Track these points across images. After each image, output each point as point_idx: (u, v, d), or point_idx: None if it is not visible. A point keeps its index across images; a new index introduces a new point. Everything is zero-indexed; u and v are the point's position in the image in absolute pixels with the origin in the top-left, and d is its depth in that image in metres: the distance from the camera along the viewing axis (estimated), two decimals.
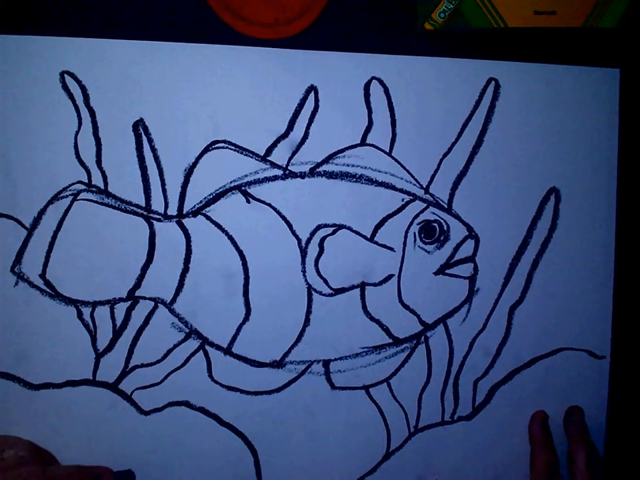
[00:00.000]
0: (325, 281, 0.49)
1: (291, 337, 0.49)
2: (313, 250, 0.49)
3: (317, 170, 0.49)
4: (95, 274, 0.48)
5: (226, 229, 0.49)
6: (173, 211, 0.48)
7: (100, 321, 0.48)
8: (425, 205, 0.50)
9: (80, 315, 0.48)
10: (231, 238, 0.49)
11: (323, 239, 0.49)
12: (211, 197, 0.49)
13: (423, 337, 0.51)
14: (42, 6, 0.48)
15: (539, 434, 0.50)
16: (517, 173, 0.51)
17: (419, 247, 0.50)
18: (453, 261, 0.50)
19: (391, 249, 0.50)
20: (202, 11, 0.48)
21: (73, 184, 0.48)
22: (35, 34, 0.47)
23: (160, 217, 0.48)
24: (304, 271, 0.49)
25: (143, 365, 0.48)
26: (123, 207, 0.48)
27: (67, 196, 0.47)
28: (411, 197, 0.50)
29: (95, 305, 0.48)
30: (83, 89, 0.47)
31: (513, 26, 0.50)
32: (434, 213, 0.50)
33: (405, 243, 0.50)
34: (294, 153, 0.49)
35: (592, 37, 0.52)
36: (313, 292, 0.49)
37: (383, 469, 0.51)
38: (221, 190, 0.49)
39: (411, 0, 0.50)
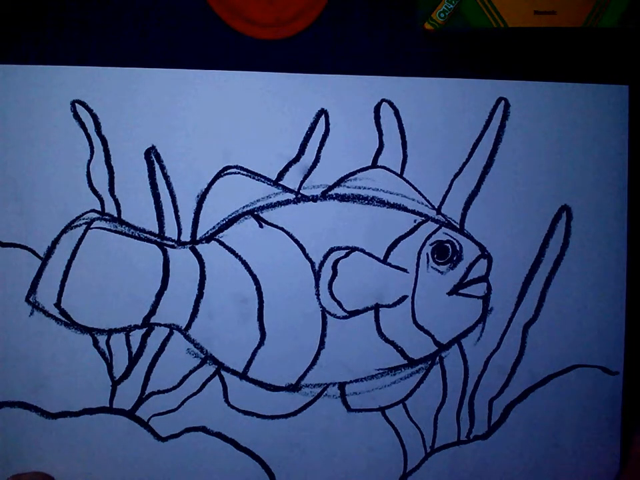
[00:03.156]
0: (339, 304, 0.49)
1: (306, 360, 0.50)
2: (326, 273, 0.49)
3: (329, 193, 0.49)
4: (109, 302, 0.48)
5: (239, 254, 0.49)
6: (186, 237, 0.49)
7: (116, 348, 0.48)
8: (437, 225, 0.50)
9: (96, 343, 0.48)
10: (244, 263, 0.49)
11: (336, 262, 0.49)
12: (224, 222, 0.49)
13: (437, 358, 0.51)
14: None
15: None
16: (528, 191, 0.51)
17: (432, 267, 0.50)
18: (466, 280, 0.50)
19: (404, 270, 0.50)
20: (202, 11, 0.49)
21: (86, 212, 0.48)
22: (44, 63, 0.47)
23: (173, 243, 0.48)
24: (318, 294, 0.49)
25: (159, 392, 0.49)
26: (136, 234, 0.48)
27: (80, 225, 0.48)
28: (423, 218, 0.50)
29: (110, 332, 0.48)
30: (94, 118, 0.47)
31: (513, 26, 0.50)
32: (446, 234, 0.50)
33: (418, 264, 0.50)
34: (305, 177, 0.49)
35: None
36: (327, 315, 0.49)
37: None
38: (233, 215, 0.49)
39: (411, 0, 0.50)
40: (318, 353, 0.50)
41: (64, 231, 0.48)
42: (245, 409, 0.49)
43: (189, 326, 0.49)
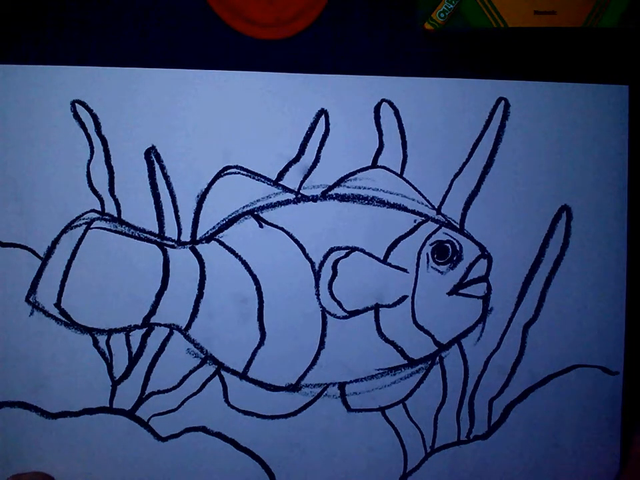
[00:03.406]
0: (339, 304, 0.49)
1: (306, 360, 0.50)
2: (326, 273, 0.49)
3: (329, 193, 0.49)
4: (109, 302, 0.48)
5: (239, 254, 0.49)
6: (186, 237, 0.49)
7: (116, 348, 0.48)
8: (437, 225, 0.50)
9: (95, 343, 0.48)
10: (244, 263, 0.49)
11: (336, 262, 0.49)
12: (224, 222, 0.49)
13: (437, 358, 0.51)
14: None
15: None
16: (528, 191, 0.51)
17: (432, 267, 0.50)
18: (466, 280, 0.50)
19: (404, 270, 0.50)
20: (202, 11, 0.49)
21: (86, 212, 0.48)
22: (44, 63, 0.47)
23: (173, 243, 0.48)
24: (318, 294, 0.49)
25: (159, 392, 0.49)
26: (136, 234, 0.48)
27: (80, 225, 0.48)
28: (423, 218, 0.50)
29: (110, 332, 0.48)
30: (94, 118, 0.48)
31: (513, 26, 0.50)
32: (446, 234, 0.50)
33: (418, 264, 0.50)
34: (305, 177, 0.49)
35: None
36: (327, 315, 0.49)
37: None
38: (233, 215, 0.49)
39: (411, 0, 0.50)
40: (318, 353, 0.50)
41: (64, 231, 0.48)
42: (245, 408, 0.49)
43: (188, 326, 0.49)
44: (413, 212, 0.50)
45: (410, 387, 0.51)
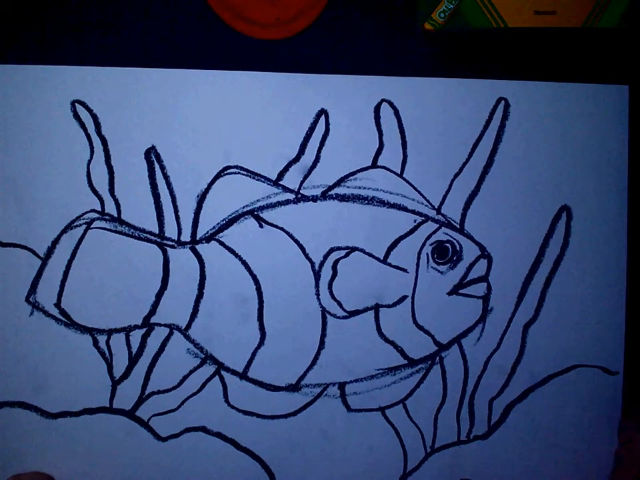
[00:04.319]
0: (339, 304, 0.49)
1: (306, 360, 0.50)
2: (326, 273, 0.49)
3: (329, 193, 0.49)
4: (109, 302, 0.48)
5: (239, 254, 0.49)
6: (186, 237, 0.49)
7: (116, 348, 0.48)
8: (437, 225, 0.50)
9: (96, 343, 0.48)
10: (244, 263, 0.49)
11: (336, 262, 0.49)
12: (224, 222, 0.49)
13: (437, 357, 0.51)
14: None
15: None
16: (528, 191, 0.51)
17: (432, 267, 0.50)
18: (466, 281, 0.50)
19: (404, 270, 0.50)
20: (202, 12, 0.49)
21: (86, 212, 0.48)
22: (44, 63, 0.48)
23: (174, 243, 0.48)
24: (318, 294, 0.49)
25: (159, 392, 0.49)
26: (136, 234, 0.48)
27: (80, 225, 0.48)
28: (423, 218, 0.50)
29: (110, 332, 0.48)
30: (94, 118, 0.48)
31: (512, 26, 0.50)
32: (446, 234, 0.50)
33: (418, 264, 0.50)
34: (305, 177, 0.49)
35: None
36: (327, 315, 0.49)
37: None
38: (233, 215, 0.49)
39: (411, 0, 0.50)
40: (318, 353, 0.50)
41: (64, 231, 0.48)
42: (244, 408, 0.49)
43: (188, 326, 0.49)
44: (413, 212, 0.50)
45: (410, 387, 0.51)
